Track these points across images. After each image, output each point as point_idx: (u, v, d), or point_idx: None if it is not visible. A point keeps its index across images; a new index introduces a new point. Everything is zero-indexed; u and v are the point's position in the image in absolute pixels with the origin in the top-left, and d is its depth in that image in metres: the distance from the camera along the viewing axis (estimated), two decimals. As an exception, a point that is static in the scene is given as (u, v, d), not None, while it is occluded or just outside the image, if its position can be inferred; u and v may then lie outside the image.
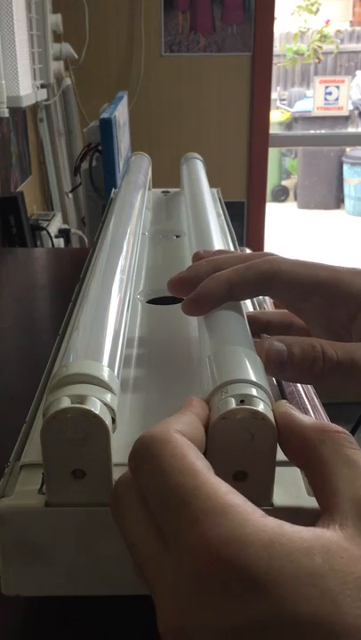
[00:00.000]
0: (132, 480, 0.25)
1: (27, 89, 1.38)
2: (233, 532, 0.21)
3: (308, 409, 0.54)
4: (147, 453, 0.24)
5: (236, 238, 0.62)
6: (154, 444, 0.24)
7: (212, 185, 0.74)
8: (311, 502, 0.29)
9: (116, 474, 0.29)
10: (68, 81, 2.09)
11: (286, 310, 0.40)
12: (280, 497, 0.29)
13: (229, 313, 0.35)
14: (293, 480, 0.30)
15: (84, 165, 1.26)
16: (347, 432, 0.26)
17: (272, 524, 0.21)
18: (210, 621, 0.20)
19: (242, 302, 0.38)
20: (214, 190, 0.78)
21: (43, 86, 1.69)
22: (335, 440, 0.25)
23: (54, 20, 1.86)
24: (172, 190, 0.84)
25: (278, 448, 0.27)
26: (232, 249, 0.58)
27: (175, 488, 0.22)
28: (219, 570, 0.20)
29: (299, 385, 0.56)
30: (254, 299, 0.49)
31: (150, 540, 0.23)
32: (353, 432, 0.81)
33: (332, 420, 0.54)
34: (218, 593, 0.20)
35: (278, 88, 4.43)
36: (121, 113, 1.10)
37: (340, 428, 0.26)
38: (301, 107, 4.40)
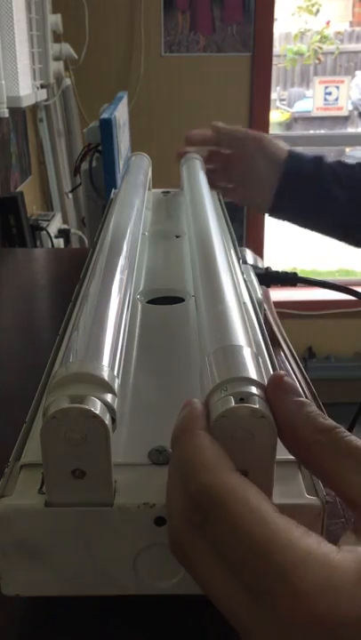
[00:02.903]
0: (194, 528, 0.24)
1: (26, 89, 1.38)
2: (322, 583, 0.21)
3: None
4: (212, 503, 0.23)
5: (236, 238, 0.62)
6: (219, 494, 0.23)
7: (212, 185, 0.74)
8: (311, 500, 0.29)
9: (116, 474, 0.29)
10: (67, 81, 2.09)
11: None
12: (280, 495, 0.29)
13: (229, 312, 0.35)
14: (293, 478, 0.30)
15: (84, 166, 1.26)
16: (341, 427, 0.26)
17: (350, 557, 0.21)
18: None
19: (242, 302, 0.38)
20: (214, 192, 0.78)
21: (42, 86, 1.69)
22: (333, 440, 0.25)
23: (54, 19, 1.86)
24: (172, 190, 0.84)
25: (278, 445, 0.27)
26: (232, 249, 0.58)
27: (249, 543, 0.22)
28: (320, 623, 0.20)
29: (298, 384, 0.56)
30: (254, 298, 0.50)
31: (235, 591, 0.23)
32: (350, 431, 0.81)
33: (333, 420, 0.54)
34: None
35: (278, 88, 4.43)
36: (121, 113, 1.10)
37: (331, 427, 0.26)
38: (301, 107, 4.40)
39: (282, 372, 0.28)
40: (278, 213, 0.86)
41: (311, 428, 0.26)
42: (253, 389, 0.27)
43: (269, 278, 0.70)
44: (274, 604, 0.21)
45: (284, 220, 0.89)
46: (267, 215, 0.89)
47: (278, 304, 0.80)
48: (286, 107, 4.52)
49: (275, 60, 2.34)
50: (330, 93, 3.89)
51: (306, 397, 0.28)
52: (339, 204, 0.79)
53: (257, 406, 0.26)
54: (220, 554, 0.23)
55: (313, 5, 4.04)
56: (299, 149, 0.84)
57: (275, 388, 0.27)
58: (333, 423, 0.26)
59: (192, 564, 0.25)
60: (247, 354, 0.30)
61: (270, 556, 0.21)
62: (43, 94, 1.64)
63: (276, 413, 0.27)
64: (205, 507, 0.23)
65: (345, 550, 0.22)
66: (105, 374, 0.29)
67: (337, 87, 3.91)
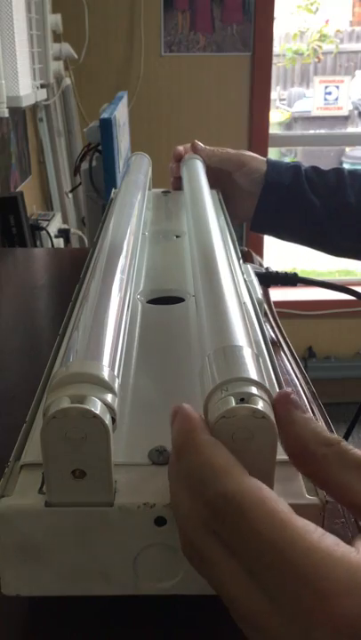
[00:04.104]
0: (211, 534, 0.24)
1: (26, 89, 1.38)
2: (346, 583, 0.21)
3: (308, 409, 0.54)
4: (229, 510, 0.23)
5: (236, 238, 0.62)
6: (234, 500, 0.24)
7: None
8: (311, 500, 0.29)
9: (116, 474, 0.29)
10: (67, 81, 2.09)
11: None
12: (281, 495, 0.29)
13: (229, 312, 0.35)
14: (294, 478, 0.30)
15: (84, 165, 1.26)
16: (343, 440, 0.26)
17: None
18: None
19: (242, 303, 0.38)
20: (214, 192, 0.78)
21: (42, 86, 1.69)
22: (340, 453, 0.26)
23: (54, 19, 1.85)
24: (172, 190, 0.85)
25: (278, 446, 0.27)
26: (232, 249, 0.58)
27: (270, 547, 0.22)
28: (346, 623, 0.21)
29: (298, 384, 0.56)
30: (254, 298, 0.50)
31: (254, 593, 0.23)
32: (349, 431, 0.81)
33: (333, 420, 0.54)
34: None
35: (278, 88, 4.43)
36: (121, 113, 1.10)
37: (336, 440, 0.26)
38: (301, 107, 4.39)
39: (288, 390, 0.28)
40: (261, 225, 0.86)
41: (318, 442, 0.26)
42: (254, 390, 0.27)
43: (269, 278, 0.70)
44: (298, 605, 0.21)
45: (265, 232, 0.90)
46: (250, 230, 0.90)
47: (278, 304, 0.80)
48: (286, 106, 4.51)
49: (274, 60, 2.34)
50: (330, 93, 3.89)
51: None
52: (316, 212, 0.80)
53: (258, 407, 0.26)
54: (238, 559, 0.23)
55: (312, 4, 4.04)
56: (285, 155, 0.85)
57: (283, 403, 0.27)
58: (338, 436, 0.26)
59: (208, 568, 0.25)
60: (247, 354, 0.30)
61: (293, 560, 0.22)
62: (43, 94, 1.64)
63: (286, 431, 0.27)
64: (222, 513, 0.24)
65: (355, 550, 0.22)
66: (105, 374, 0.29)
67: (337, 87, 3.91)
